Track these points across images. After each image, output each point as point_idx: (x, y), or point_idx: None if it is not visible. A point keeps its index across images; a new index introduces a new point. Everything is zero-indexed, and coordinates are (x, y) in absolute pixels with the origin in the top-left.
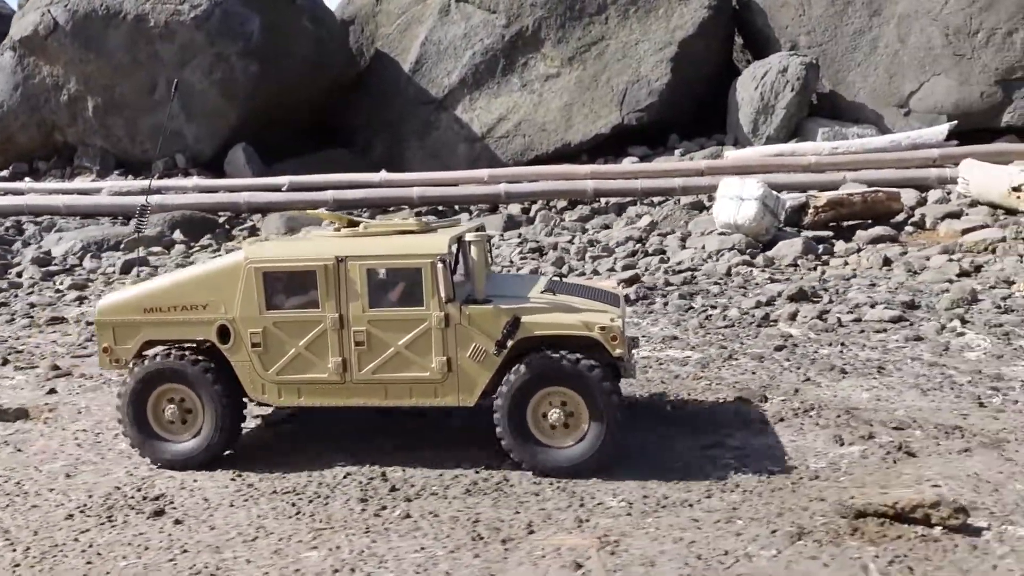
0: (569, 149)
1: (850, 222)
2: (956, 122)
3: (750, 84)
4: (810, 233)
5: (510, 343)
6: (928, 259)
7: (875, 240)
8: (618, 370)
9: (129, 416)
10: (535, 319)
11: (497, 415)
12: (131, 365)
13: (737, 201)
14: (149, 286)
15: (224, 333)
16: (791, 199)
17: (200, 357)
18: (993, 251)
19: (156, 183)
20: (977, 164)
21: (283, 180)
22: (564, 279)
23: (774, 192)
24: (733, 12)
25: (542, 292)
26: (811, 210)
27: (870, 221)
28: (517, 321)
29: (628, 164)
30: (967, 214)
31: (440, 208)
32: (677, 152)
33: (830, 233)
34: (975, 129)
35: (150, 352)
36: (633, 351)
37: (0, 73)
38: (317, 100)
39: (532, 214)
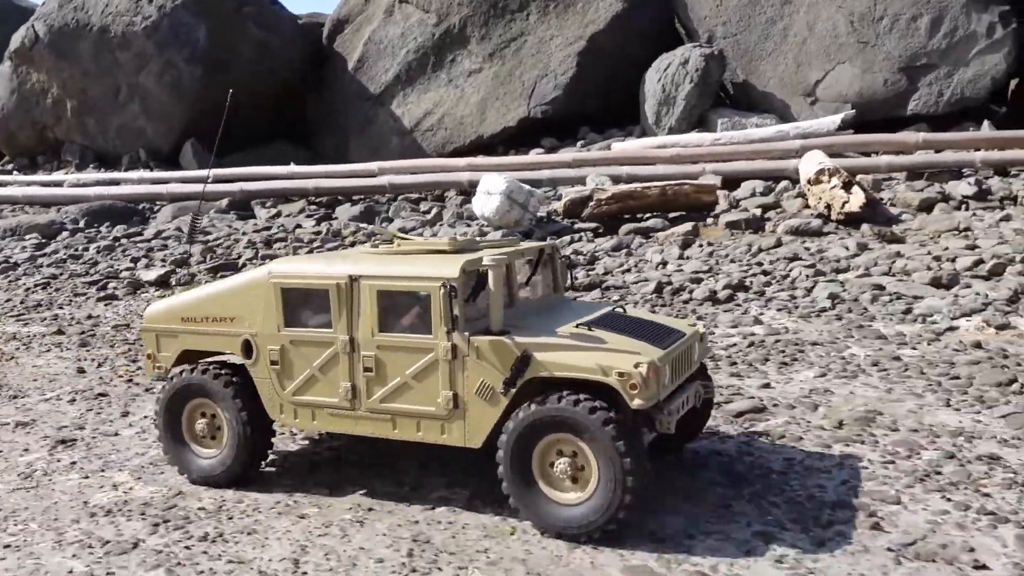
0: (483, 141)
1: (652, 214)
2: (853, 112)
3: (655, 76)
4: (582, 225)
5: (519, 382)
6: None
7: (640, 231)
8: (653, 421)
9: (162, 426)
10: (548, 357)
11: (501, 459)
12: (169, 375)
13: (486, 195)
14: (189, 295)
15: (248, 348)
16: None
17: (224, 372)
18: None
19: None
20: (814, 155)
21: (205, 172)
22: (627, 311)
23: (525, 187)
24: (659, 4)
25: (578, 325)
26: (592, 203)
27: (684, 214)
28: (528, 358)
29: (533, 156)
30: (783, 208)
31: (339, 198)
32: (579, 144)
33: (595, 225)
34: (884, 119)
35: (186, 365)
36: (685, 399)
37: (1, 80)
38: (267, 99)
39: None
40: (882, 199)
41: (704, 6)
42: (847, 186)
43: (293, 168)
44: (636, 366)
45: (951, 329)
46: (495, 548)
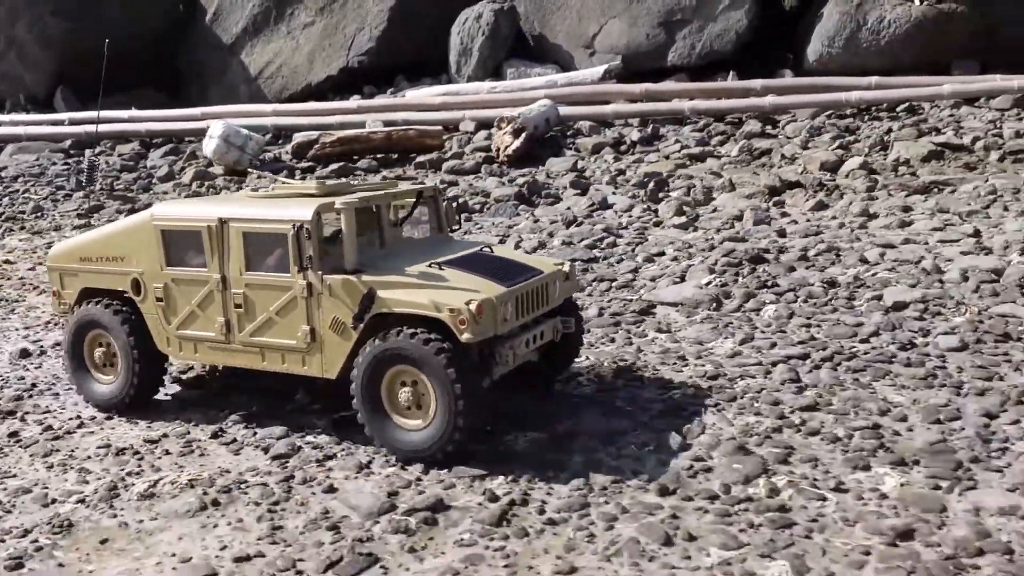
0: (312, 89)
1: (372, 156)
2: (619, 63)
3: (456, 30)
4: (302, 165)
5: (367, 317)
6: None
7: (349, 171)
8: (494, 355)
9: (68, 357)
10: (390, 295)
11: (352, 389)
12: (72, 310)
13: (209, 138)
14: (86, 236)
15: (137, 286)
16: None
17: (117, 306)
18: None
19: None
20: (540, 103)
21: (64, 116)
22: (493, 251)
23: (243, 131)
24: None
25: (431, 264)
26: (317, 145)
27: (414, 156)
28: (372, 295)
29: (326, 104)
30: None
31: (172, 140)
32: (389, 91)
33: (312, 165)
34: (649, 70)
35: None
36: (537, 334)
37: None
38: (134, 48)
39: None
40: (572, 143)
41: None
42: (517, 133)
43: (133, 112)
44: (467, 303)
45: None
46: None
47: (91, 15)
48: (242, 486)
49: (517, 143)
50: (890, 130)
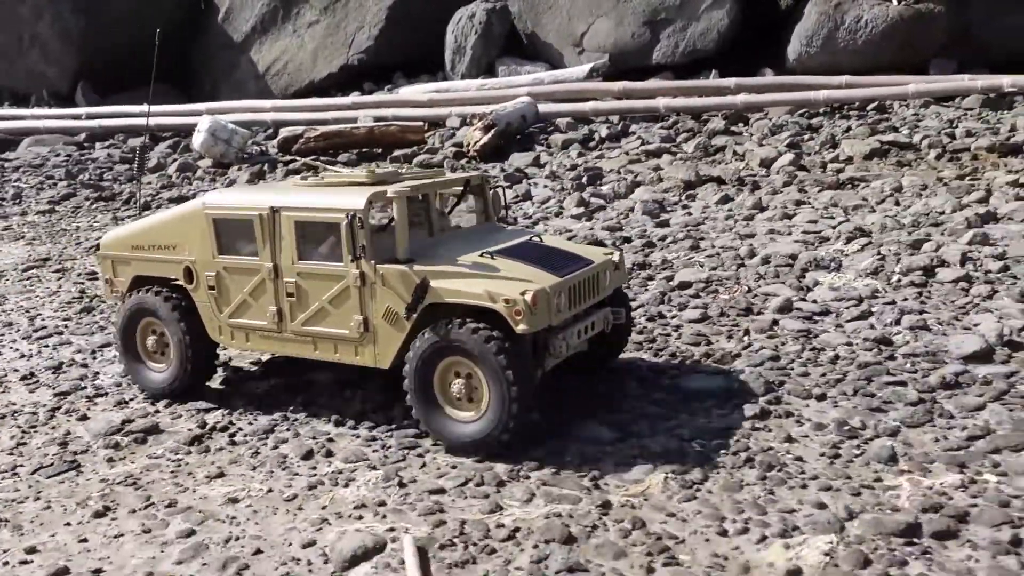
0: (315, 85)
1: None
2: (605, 61)
3: (451, 28)
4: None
5: (420, 307)
6: None
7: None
8: (548, 346)
9: (120, 344)
10: (444, 285)
11: (405, 381)
12: (124, 297)
13: (197, 132)
14: (138, 224)
15: (189, 274)
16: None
17: (170, 294)
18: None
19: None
20: (520, 100)
21: (81, 111)
22: (543, 240)
23: (230, 125)
24: None
25: (483, 253)
26: (302, 139)
27: (394, 151)
28: (425, 285)
29: (321, 100)
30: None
31: (180, 135)
32: (387, 88)
33: (294, 157)
34: (635, 68)
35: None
36: (589, 324)
37: None
38: (149, 45)
39: None
40: (546, 139)
41: None
42: (487, 129)
43: (143, 108)
44: (523, 293)
45: None
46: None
47: (109, 12)
48: (15, 414)
49: (485, 139)
50: (849, 128)
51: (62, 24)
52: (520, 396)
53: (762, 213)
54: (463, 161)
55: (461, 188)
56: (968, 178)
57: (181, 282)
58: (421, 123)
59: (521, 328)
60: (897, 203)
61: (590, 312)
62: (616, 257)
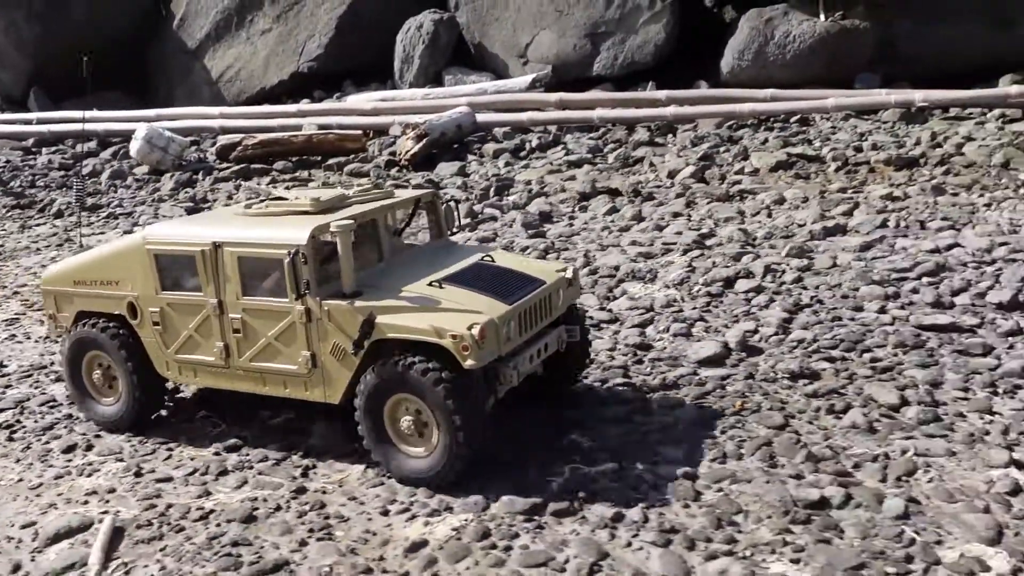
0: (266, 92)
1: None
2: (547, 72)
3: (400, 38)
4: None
5: (366, 343)
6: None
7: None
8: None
9: (67, 376)
10: (390, 320)
11: (357, 415)
12: (68, 332)
13: (134, 139)
14: (79, 258)
15: (133, 309)
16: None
17: (118, 329)
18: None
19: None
20: (456, 111)
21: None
22: (495, 259)
23: (166, 133)
24: None
25: (431, 282)
26: (240, 147)
27: (331, 159)
28: (372, 321)
29: (267, 107)
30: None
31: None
32: (336, 96)
33: (242, 166)
34: (576, 79)
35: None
36: (541, 347)
37: None
38: (104, 51)
39: None
40: (479, 148)
41: None
42: (419, 138)
43: (86, 113)
44: (470, 328)
45: None
46: None
47: (62, 18)
48: None
49: (417, 148)
50: (767, 140)
51: (16, 31)
52: (469, 430)
53: (638, 224)
54: (394, 170)
55: (411, 207)
56: (851, 190)
57: (126, 317)
58: (360, 132)
59: (469, 364)
60: (770, 215)
61: (543, 333)
62: (569, 273)
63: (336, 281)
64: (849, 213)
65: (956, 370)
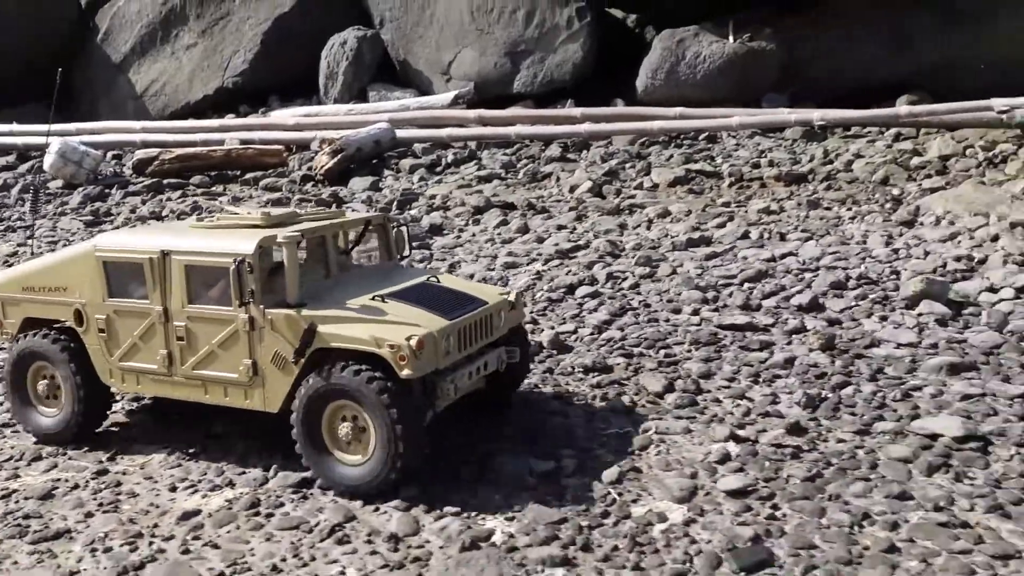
0: (191, 107)
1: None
2: (469, 89)
3: (324, 54)
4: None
5: (308, 352)
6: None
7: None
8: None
9: (9, 388)
10: (330, 329)
11: (293, 422)
12: (15, 339)
13: (48, 153)
14: (28, 265)
15: (80, 317)
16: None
17: (62, 337)
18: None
19: None
20: (378, 126)
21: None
22: (440, 280)
23: (81, 147)
24: None
25: (375, 296)
26: (157, 162)
27: (248, 174)
28: (313, 330)
29: (191, 122)
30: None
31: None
32: (260, 111)
33: (155, 180)
34: (497, 96)
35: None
36: (481, 365)
37: None
38: (31, 65)
39: None
40: (396, 164)
41: None
42: (335, 153)
43: (9, 127)
44: (408, 338)
45: None
46: None
47: None
48: None
49: (331, 163)
50: (672, 156)
51: None
52: (406, 437)
53: (522, 236)
54: (308, 184)
55: (362, 227)
56: (735, 204)
57: (72, 324)
58: (281, 147)
59: (406, 373)
60: (649, 227)
61: (484, 352)
62: (512, 297)
63: (281, 293)
64: (722, 226)
65: (732, 363)
